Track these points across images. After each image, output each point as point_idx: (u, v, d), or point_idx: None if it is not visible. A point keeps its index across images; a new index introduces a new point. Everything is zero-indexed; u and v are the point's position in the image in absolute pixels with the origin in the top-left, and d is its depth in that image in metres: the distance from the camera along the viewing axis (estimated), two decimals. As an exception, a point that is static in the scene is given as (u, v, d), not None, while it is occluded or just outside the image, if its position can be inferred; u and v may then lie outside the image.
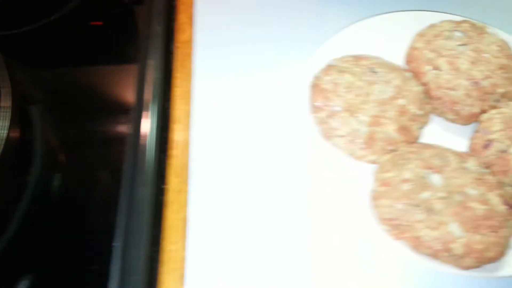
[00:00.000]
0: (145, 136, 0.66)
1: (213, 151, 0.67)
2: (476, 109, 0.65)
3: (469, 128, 0.67)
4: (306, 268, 0.60)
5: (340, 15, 0.79)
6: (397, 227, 0.55)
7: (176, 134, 0.69)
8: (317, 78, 0.65)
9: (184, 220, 0.62)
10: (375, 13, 0.76)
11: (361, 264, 0.59)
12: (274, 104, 0.71)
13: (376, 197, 0.57)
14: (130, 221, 0.60)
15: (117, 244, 0.58)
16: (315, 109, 0.64)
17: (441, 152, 0.59)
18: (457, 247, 0.52)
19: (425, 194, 0.55)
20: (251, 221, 0.62)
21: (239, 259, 0.60)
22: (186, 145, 0.68)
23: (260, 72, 0.74)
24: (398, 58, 0.72)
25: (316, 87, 0.64)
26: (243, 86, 0.73)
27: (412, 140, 0.63)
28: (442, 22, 0.71)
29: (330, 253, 0.60)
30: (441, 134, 0.67)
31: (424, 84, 0.67)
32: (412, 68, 0.69)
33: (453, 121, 0.67)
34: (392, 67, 0.67)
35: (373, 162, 0.62)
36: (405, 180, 0.56)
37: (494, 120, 0.63)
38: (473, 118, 0.66)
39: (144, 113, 0.68)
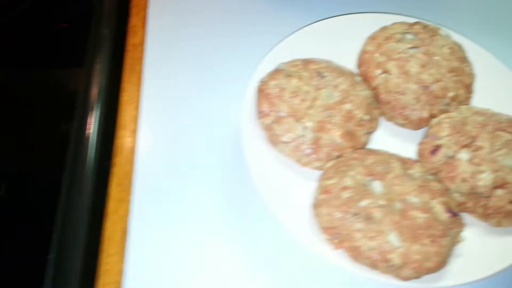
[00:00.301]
0: (86, 143, 0.64)
1: (159, 159, 0.66)
2: (425, 114, 0.63)
3: (420, 133, 0.65)
4: (248, 278, 0.58)
5: (294, 18, 0.78)
6: (336, 236, 0.53)
7: (122, 141, 0.67)
8: (263, 82, 0.63)
9: (124, 231, 0.60)
10: (329, 15, 0.74)
11: (304, 274, 0.58)
12: (224, 110, 0.69)
13: (316, 205, 0.55)
14: (66, 232, 0.58)
15: (51, 257, 0.56)
16: (261, 114, 0.62)
17: (385, 158, 0.58)
18: (395, 257, 0.50)
19: (364, 202, 0.53)
20: (195, 234, 0.60)
21: (179, 275, 0.58)
22: (131, 152, 0.66)
23: (211, 77, 0.73)
24: (350, 62, 0.70)
25: (261, 92, 0.62)
26: (194, 92, 0.71)
27: (359, 145, 0.62)
28: (394, 24, 0.70)
29: (275, 263, 0.59)
30: (391, 139, 0.66)
31: (374, 88, 0.66)
32: (363, 72, 0.68)
33: (403, 126, 0.65)
34: (341, 71, 0.65)
35: (320, 168, 0.61)
36: (345, 188, 0.55)
37: (443, 125, 0.62)
38: (423, 123, 0.64)
39: (87, 119, 0.66)
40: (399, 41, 0.67)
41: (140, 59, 0.73)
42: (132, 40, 0.76)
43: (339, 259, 0.53)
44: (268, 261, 0.59)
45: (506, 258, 0.56)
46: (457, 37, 0.71)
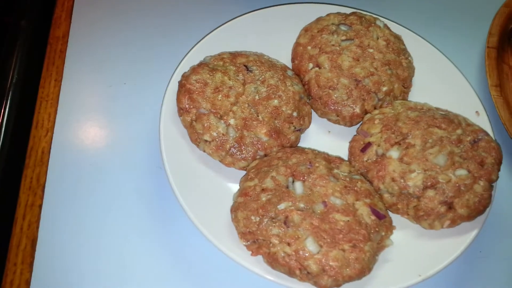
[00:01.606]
0: (-6, 143, 0.59)
1: (75, 161, 0.61)
2: (357, 109, 0.60)
3: (355, 129, 0.62)
4: (164, 283, 0.54)
5: (229, 8, 0.73)
6: (253, 242, 0.50)
7: (35, 141, 0.62)
8: (184, 77, 0.59)
9: (33, 238, 0.56)
10: (266, 5, 0.70)
11: (225, 279, 0.54)
12: (148, 108, 0.65)
13: (234, 208, 0.51)
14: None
15: None
16: (181, 111, 0.58)
17: (311, 157, 0.54)
18: (311, 264, 0.47)
19: (283, 205, 0.49)
20: (111, 241, 0.56)
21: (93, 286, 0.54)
22: (45, 153, 0.61)
23: (136, 72, 0.68)
24: (286, 55, 0.66)
25: (182, 87, 0.58)
26: (116, 88, 0.67)
27: (288, 144, 0.58)
28: (329, 15, 0.66)
29: (194, 267, 0.55)
30: (324, 137, 0.62)
31: (306, 83, 0.62)
32: (296, 65, 0.64)
33: (336, 122, 0.62)
34: (272, 65, 0.62)
35: (244, 168, 0.57)
36: (264, 190, 0.51)
37: (375, 121, 0.58)
38: (356, 119, 0.61)
39: (-3, 118, 0.61)
40: (332, 33, 0.63)
41: (62, 53, 0.69)
42: (54, 33, 0.70)
43: (255, 266, 0.49)
44: (187, 266, 0.55)
45: (437, 263, 0.53)
46: (397, 29, 0.68)
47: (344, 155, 0.60)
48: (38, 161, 0.60)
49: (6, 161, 0.58)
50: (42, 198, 0.58)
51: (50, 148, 0.61)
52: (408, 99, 0.64)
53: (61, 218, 0.57)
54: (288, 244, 0.48)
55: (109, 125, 0.63)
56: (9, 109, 0.61)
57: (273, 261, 0.48)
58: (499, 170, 0.55)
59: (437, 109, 0.61)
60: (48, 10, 0.72)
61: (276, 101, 0.58)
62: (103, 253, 0.55)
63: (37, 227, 0.56)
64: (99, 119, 0.64)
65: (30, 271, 0.54)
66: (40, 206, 0.57)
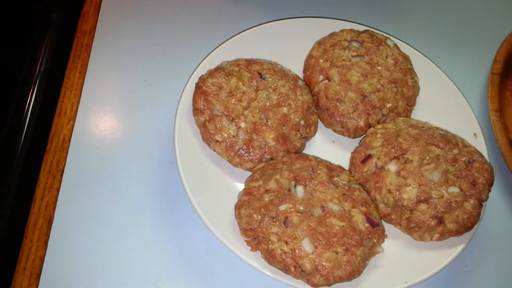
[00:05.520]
0: (21, 127, 0.63)
1: (93, 149, 0.65)
2: (362, 123, 0.63)
3: (358, 141, 0.65)
4: (171, 273, 0.58)
5: (250, 16, 0.77)
6: (254, 238, 0.53)
7: (58, 128, 0.66)
8: (201, 79, 0.63)
9: (50, 218, 0.60)
10: (284, 16, 0.74)
11: (228, 273, 0.58)
12: (167, 105, 0.69)
13: (238, 206, 0.55)
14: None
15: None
16: (196, 111, 0.62)
17: (313, 164, 0.58)
18: (306, 263, 0.50)
19: (284, 206, 0.53)
20: (122, 229, 0.60)
21: (101, 268, 0.58)
22: (66, 140, 0.65)
23: (157, 71, 0.72)
24: (299, 66, 0.70)
25: (199, 89, 0.62)
26: (137, 84, 0.71)
27: (293, 150, 0.62)
28: (342, 31, 0.69)
29: (199, 259, 0.58)
30: (328, 146, 0.66)
31: (315, 94, 0.66)
32: (307, 76, 0.68)
33: (341, 133, 0.66)
34: (284, 74, 0.65)
35: (251, 170, 0.61)
36: (268, 191, 0.55)
37: (377, 135, 0.62)
38: (359, 132, 0.64)
39: (25, 104, 0.65)
40: (344, 48, 0.67)
41: (88, 47, 0.73)
42: (82, 27, 0.75)
43: (254, 261, 0.53)
44: (190, 256, 0.59)
45: (423, 272, 0.56)
46: (406, 49, 0.71)
47: (346, 165, 0.63)
48: (59, 147, 0.64)
49: (29, 145, 0.62)
50: (60, 181, 0.62)
51: (71, 136, 0.65)
52: (411, 117, 0.67)
53: (76, 201, 0.61)
54: (286, 243, 0.51)
55: (127, 119, 0.67)
56: (35, 96, 0.65)
57: (270, 257, 0.52)
58: (489, 190, 0.58)
59: (437, 128, 0.64)
60: (78, 5, 0.76)
61: (285, 108, 0.62)
62: (113, 237, 0.59)
63: (54, 208, 0.60)
64: (118, 111, 0.68)
65: (45, 248, 0.58)
66: (58, 189, 0.62)
